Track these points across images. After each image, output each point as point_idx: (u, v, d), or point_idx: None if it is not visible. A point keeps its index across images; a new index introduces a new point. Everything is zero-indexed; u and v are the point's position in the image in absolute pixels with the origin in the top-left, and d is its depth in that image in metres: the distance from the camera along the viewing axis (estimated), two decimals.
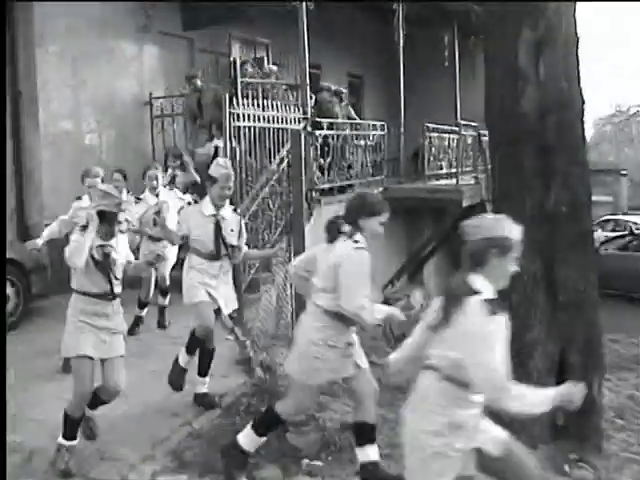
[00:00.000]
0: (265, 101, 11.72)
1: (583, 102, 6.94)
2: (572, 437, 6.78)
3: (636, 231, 25.80)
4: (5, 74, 11.18)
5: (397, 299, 14.58)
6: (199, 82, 13.05)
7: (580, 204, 6.87)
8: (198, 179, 10.71)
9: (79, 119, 12.32)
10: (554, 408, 4.85)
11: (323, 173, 12.83)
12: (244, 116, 10.89)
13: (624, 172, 43.65)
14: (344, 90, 15.71)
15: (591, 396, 6.86)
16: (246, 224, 9.71)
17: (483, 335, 3.78)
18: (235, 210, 7.27)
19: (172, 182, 10.45)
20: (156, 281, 9.44)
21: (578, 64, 6.91)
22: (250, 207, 10.12)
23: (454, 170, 16.68)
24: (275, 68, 14.27)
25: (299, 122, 12.20)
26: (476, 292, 3.86)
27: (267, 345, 8.81)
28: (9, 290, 9.33)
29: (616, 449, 6.98)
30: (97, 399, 5.84)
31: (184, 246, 7.45)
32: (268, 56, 16.22)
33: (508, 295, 6.83)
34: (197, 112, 12.76)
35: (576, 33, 6.94)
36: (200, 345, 6.92)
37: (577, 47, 6.93)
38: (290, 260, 7.03)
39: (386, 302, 14.14)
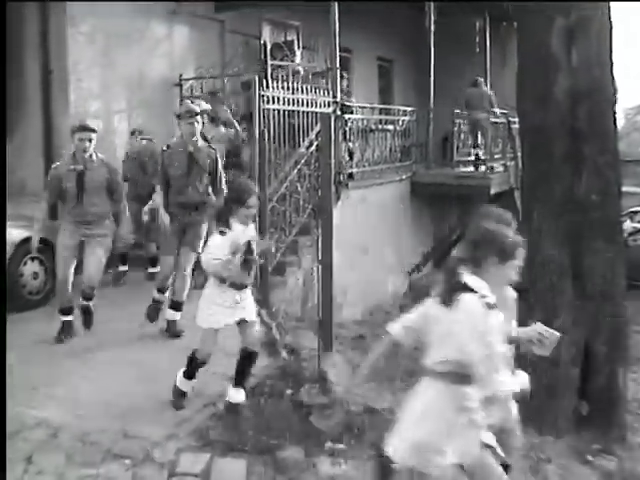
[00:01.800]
0: (295, 84, 11.69)
1: (615, 90, 6.88)
2: (596, 428, 6.77)
3: None
4: (5, 73, 11.23)
5: (423, 285, 14.65)
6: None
7: (610, 193, 6.83)
8: None
9: (109, 99, 12.36)
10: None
11: (351, 157, 12.82)
12: (273, 99, 10.88)
13: None
14: None
15: (616, 387, 6.86)
16: (273, 207, 9.74)
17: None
18: None
19: None
20: None
21: (611, 52, 6.85)
22: (278, 190, 10.13)
23: (483, 157, 16.60)
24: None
25: (328, 105, 12.18)
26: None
27: (292, 328, 8.83)
28: (38, 268, 9.41)
29: None
30: None
31: None
32: (298, 39, 16.17)
33: (535, 282, 6.85)
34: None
35: (610, 21, 6.87)
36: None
37: (611, 35, 6.87)
38: (318, 243, 7.01)
39: (411, 287, 14.25)
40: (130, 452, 5.55)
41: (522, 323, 4.76)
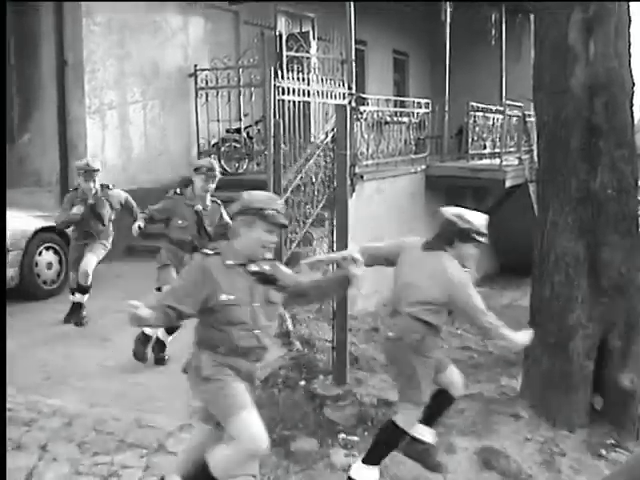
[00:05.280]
0: (310, 75, 11.68)
1: (633, 83, 6.84)
2: (610, 422, 6.74)
3: None
4: (5, 73, 11.25)
5: None
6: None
7: (626, 187, 6.78)
8: None
9: (124, 90, 12.37)
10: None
11: (367, 149, 12.82)
12: (288, 90, 10.87)
13: None
14: None
15: (630, 382, 6.82)
16: (288, 198, 9.74)
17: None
18: None
19: None
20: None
21: (630, 45, 6.80)
22: (293, 181, 10.11)
23: (498, 150, 16.56)
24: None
25: (344, 97, 12.17)
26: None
27: (307, 319, 8.83)
28: (52, 258, 9.45)
29: None
30: None
31: None
32: (314, 30, 16.15)
33: (551, 276, 6.82)
34: None
35: (629, 13, 6.83)
36: None
37: (629, 27, 6.82)
38: (333, 235, 7.02)
39: None
40: (144, 441, 5.57)
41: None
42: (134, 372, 6.84)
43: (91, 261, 8.39)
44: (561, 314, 6.75)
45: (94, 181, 8.41)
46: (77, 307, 8.47)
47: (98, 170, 8.49)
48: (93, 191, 8.43)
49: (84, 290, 8.41)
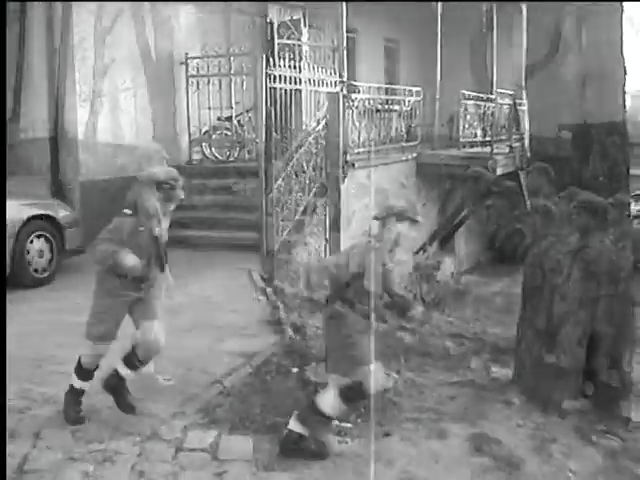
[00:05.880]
0: (301, 63, 11.68)
1: (625, 72, 6.86)
2: (601, 409, 6.78)
3: None
4: (5, 72, 11.20)
5: (428, 265, 14.65)
6: None
7: (618, 174, 6.81)
8: None
9: (114, 77, 12.33)
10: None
11: (359, 137, 12.82)
12: (280, 77, 10.86)
13: None
14: None
15: (621, 369, 6.86)
16: (279, 186, 9.74)
17: None
18: None
19: None
20: None
21: (622, 33, 6.82)
22: (284, 168, 10.12)
23: (489, 138, 16.57)
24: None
25: (335, 85, 12.16)
26: None
27: (298, 306, 8.85)
28: (43, 245, 9.44)
29: None
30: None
31: None
32: (305, 18, 16.10)
33: (542, 263, 6.85)
34: None
35: (620, 2, 6.85)
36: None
37: (621, 16, 6.84)
38: (326, 221, 7.01)
39: (417, 268, 14.25)
40: (137, 429, 5.58)
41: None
42: None
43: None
44: (552, 301, 6.77)
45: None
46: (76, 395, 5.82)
47: None
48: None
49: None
